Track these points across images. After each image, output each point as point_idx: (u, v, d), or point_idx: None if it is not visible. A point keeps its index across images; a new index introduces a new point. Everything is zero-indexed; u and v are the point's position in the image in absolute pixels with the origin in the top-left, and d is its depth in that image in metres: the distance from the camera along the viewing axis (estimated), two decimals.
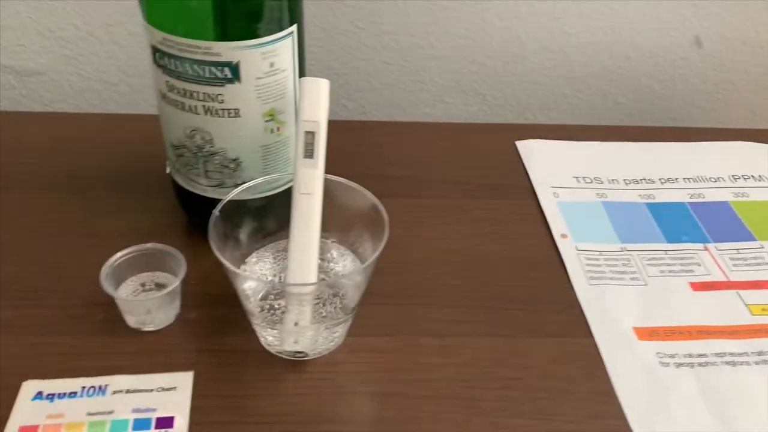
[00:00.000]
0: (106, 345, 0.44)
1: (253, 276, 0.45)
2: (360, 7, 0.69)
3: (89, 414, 0.40)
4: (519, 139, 0.65)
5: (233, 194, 0.44)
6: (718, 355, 0.45)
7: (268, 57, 0.43)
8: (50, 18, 0.68)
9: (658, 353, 0.45)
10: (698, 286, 0.50)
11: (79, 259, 0.49)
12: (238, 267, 0.44)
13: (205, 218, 0.49)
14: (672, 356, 0.45)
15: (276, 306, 0.43)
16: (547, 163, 0.62)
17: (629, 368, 0.44)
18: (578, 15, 0.71)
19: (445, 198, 0.57)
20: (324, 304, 0.44)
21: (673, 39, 0.73)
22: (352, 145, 0.60)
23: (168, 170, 0.51)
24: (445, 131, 0.67)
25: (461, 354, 0.45)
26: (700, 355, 0.45)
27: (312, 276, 0.42)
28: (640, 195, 0.59)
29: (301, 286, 0.42)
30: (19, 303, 0.46)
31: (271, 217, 0.47)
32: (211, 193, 0.48)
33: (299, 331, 0.42)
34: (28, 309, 0.46)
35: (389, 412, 0.41)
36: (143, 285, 0.46)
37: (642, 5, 0.70)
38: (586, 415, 0.41)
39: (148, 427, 0.39)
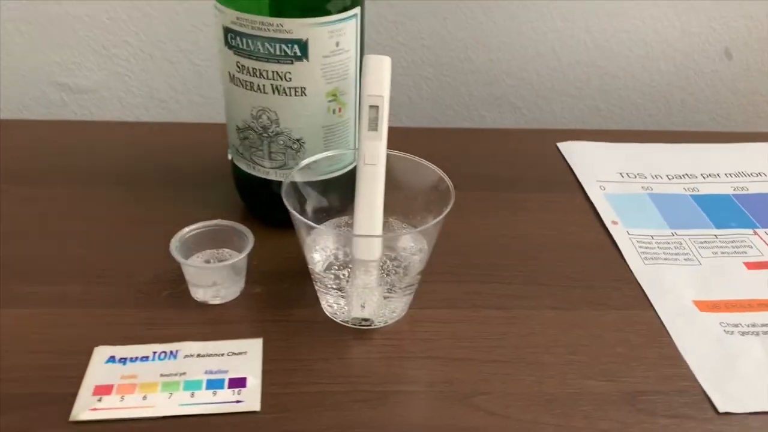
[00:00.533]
0: (174, 317, 0.44)
1: (328, 230, 0.46)
2: (401, 23, 0.72)
3: (162, 375, 0.40)
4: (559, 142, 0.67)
5: (300, 166, 0.46)
6: None
7: (335, 36, 0.45)
8: (106, 36, 0.72)
9: (721, 323, 0.45)
10: (753, 266, 0.51)
11: (143, 244, 0.50)
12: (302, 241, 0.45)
13: (263, 203, 0.51)
14: (735, 326, 0.45)
15: (341, 276, 0.44)
16: (590, 162, 0.63)
17: (694, 336, 0.44)
18: (611, 29, 0.73)
19: (495, 191, 0.58)
20: (388, 274, 0.44)
21: (704, 52, 0.75)
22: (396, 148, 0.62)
23: (230, 156, 0.52)
24: (487, 135, 0.69)
25: (526, 324, 0.45)
26: (764, 325, 0.45)
27: (376, 242, 0.43)
28: (684, 188, 0.60)
29: (367, 251, 0.42)
30: (88, 280, 0.47)
31: (332, 196, 0.48)
32: (273, 175, 0.49)
33: (366, 295, 0.42)
34: (96, 286, 0.46)
35: (459, 374, 0.41)
36: (208, 262, 0.47)
37: (672, 19, 0.73)
38: (657, 377, 0.41)
39: (222, 387, 0.39)
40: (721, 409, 0.39)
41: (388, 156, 0.44)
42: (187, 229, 0.46)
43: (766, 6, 0.73)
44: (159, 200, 0.56)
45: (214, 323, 0.44)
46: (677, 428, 0.38)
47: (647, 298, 0.47)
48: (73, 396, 0.38)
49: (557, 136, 0.68)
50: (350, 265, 0.43)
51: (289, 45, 0.44)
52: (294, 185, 0.45)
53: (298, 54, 0.45)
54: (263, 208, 0.52)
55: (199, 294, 0.45)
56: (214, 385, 0.39)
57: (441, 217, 0.41)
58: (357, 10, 0.46)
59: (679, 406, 0.40)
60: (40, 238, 0.51)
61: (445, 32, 0.73)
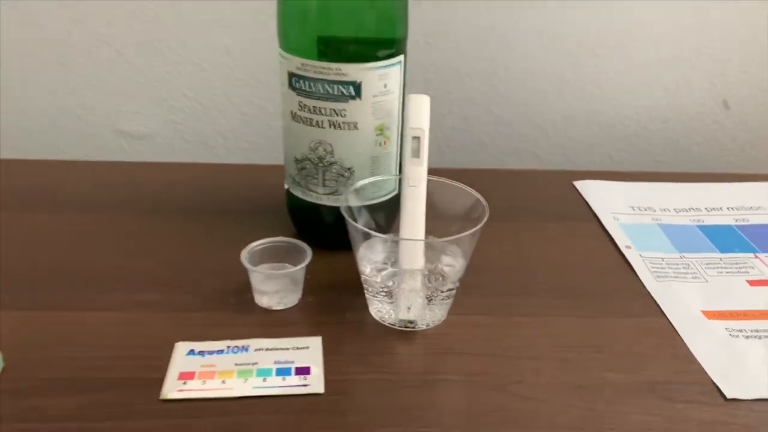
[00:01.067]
0: (241, 320, 0.50)
1: (381, 236, 0.52)
2: (429, 80, 0.80)
3: (237, 365, 0.46)
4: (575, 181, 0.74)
5: (356, 186, 0.53)
6: None
7: (383, 78, 0.53)
8: (165, 87, 0.80)
9: (727, 328, 0.51)
10: (755, 283, 0.56)
11: (207, 261, 0.57)
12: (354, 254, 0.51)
13: (315, 226, 0.58)
14: (740, 331, 0.51)
15: (389, 282, 0.50)
16: (604, 197, 0.70)
17: (704, 338, 0.50)
18: (620, 83, 0.81)
19: (519, 221, 0.65)
20: (429, 282, 0.50)
21: (705, 104, 0.83)
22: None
23: (286, 186, 0.59)
24: (508, 175, 0.76)
25: (553, 328, 0.51)
26: (766, 330, 0.51)
27: (419, 253, 0.49)
28: (690, 219, 0.66)
29: (411, 260, 0.49)
30: (160, 290, 0.53)
31: (378, 218, 0.55)
32: (325, 201, 0.56)
33: (411, 299, 0.48)
34: (169, 295, 0.53)
35: (494, 367, 0.47)
36: None
37: (676, 75, 0.81)
38: (671, 371, 0.47)
39: (289, 374, 0.45)
40: (728, 396, 0.44)
41: (429, 181, 0.51)
42: (254, 244, 0.53)
43: (760, 63, 0.81)
44: (217, 227, 0.62)
45: (277, 325, 0.50)
46: (692, 411, 0.43)
47: (660, 308, 0.53)
48: (161, 380, 0.44)
49: (573, 177, 0.75)
50: (397, 274, 0.49)
51: (346, 86, 0.52)
52: (348, 208, 0.51)
53: (353, 94, 0.52)
54: (314, 231, 0.59)
55: (263, 300, 0.51)
56: (282, 372, 0.45)
57: (477, 228, 0.48)
58: (401, 57, 0.54)
59: (693, 394, 0.45)
60: (114, 256, 0.57)
61: (470, 87, 0.81)
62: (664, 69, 0.81)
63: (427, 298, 0.49)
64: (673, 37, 0.79)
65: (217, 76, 0.80)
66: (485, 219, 0.48)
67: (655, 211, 0.68)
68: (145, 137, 0.83)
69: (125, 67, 0.79)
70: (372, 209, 0.55)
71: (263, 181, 0.66)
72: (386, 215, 0.57)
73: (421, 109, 0.52)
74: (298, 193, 0.58)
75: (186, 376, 0.44)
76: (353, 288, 0.53)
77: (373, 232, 0.49)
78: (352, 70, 0.51)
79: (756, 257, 0.60)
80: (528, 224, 0.65)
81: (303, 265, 0.51)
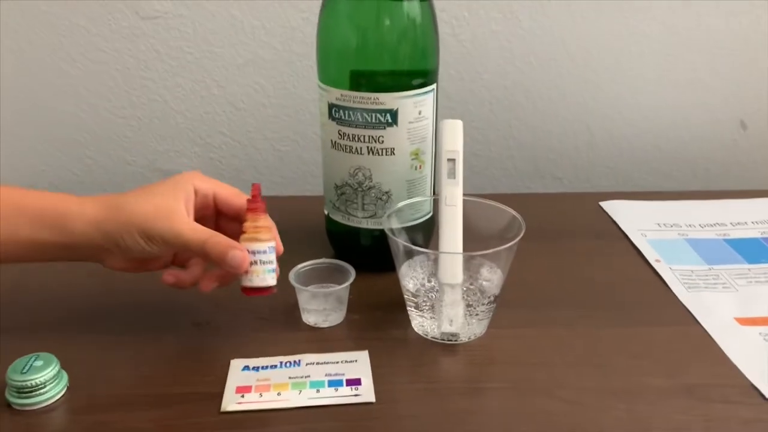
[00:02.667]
0: (291, 337, 0.53)
1: (424, 250, 0.55)
2: (451, 107, 0.84)
3: (290, 378, 0.48)
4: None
5: (399, 206, 0.56)
6: None
7: (418, 106, 0.56)
8: (202, 127, 0.84)
9: (760, 333, 0.52)
10: None
11: None
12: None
13: (355, 250, 0.60)
14: None
15: (431, 297, 0.52)
16: (630, 216, 0.72)
17: (739, 343, 0.51)
18: (637, 106, 0.84)
19: (550, 242, 0.67)
20: (470, 295, 0.52)
21: (721, 123, 0.85)
22: None
23: (326, 212, 0.62)
24: (535, 199, 0.79)
25: (591, 338, 0.52)
26: None
27: (459, 268, 0.51)
28: (716, 234, 0.68)
29: (451, 275, 0.51)
30: (213, 312, 0.56)
31: (416, 239, 0.58)
32: (365, 224, 0.59)
33: (453, 313, 0.50)
34: (221, 317, 0.55)
35: (538, 375, 0.48)
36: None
37: (691, 96, 0.84)
38: (709, 374, 0.48)
39: (341, 385, 0.47)
40: None
41: (465, 201, 0.54)
42: (301, 265, 0.55)
43: None
44: None
45: (324, 341, 0.52)
46: (731, 410, 0.45)
47: (693, 317, 0.55)
48: (219, 395, 0.46)
49: (598, 198, 0.77)
50: (437, 290, 0.52)
51: (383, 114, 0.55)
52: (390, 228, 0.54)
53: (390, 121, 0.55)
54: (354, 254, 0.61)
55: (311, 319, 0.54)
56: (334, 384, 0.47)
57: (514, 241, 0.50)
58: (434, 86, 0.57)
59: (731, 395, 0.46)
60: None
61: (492, 115, 0.84)
62: (681, 91, 0.84)
63: (468, 312, 0.51)
64: (687, 58, 0.82)
65: (251, 113, 0.83)
66: (522, 232, 0.51)
67: (681, 227, 0.70)
68: None
69: (164, 109, 0.83)
70: (409, 230, 0.58)
71: (300, 209, 0.69)
72: (424, 235, 0.60)
73: (455, 132, 0.55)
74: (338, 218, 0.61)
75: (243, 390, 0.47)
76: (395, 306, 0.55)
77: (416, 248, 0.51)
78: (388, 99, 0.55)
79: None
80: (559, 243, 0.67)
81: (347, 283, 0.54)
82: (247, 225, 0.48)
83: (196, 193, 0.49)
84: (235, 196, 0.51)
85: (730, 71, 0.83)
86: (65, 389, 0.47)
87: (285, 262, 0.55)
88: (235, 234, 0.49)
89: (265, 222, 0.49)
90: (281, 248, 0.50)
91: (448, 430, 0.43)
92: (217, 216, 0.52)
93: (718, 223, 0.70)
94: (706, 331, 0.53)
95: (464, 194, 0.54)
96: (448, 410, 0.45)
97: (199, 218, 0.50)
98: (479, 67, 0.82)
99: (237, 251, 0.46)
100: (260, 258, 0.48)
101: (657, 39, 0.81)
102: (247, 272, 0.47)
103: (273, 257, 0.48)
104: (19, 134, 0.83)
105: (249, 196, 0.49)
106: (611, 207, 0.74)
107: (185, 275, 0.51)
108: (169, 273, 0.51)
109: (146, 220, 0.46)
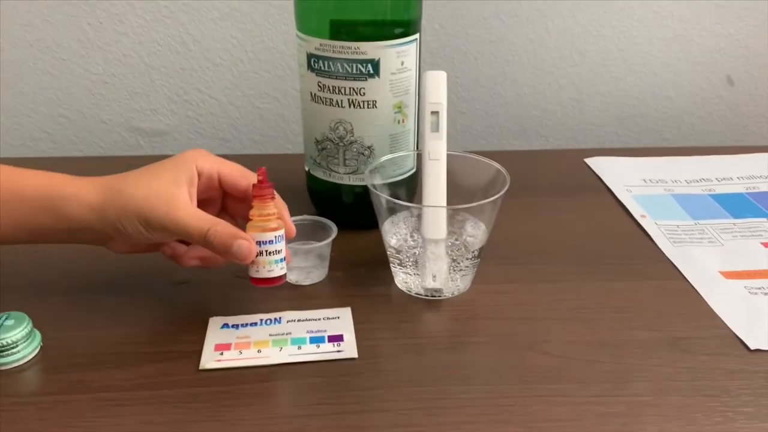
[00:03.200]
0: (272, 295, 0.51)
1: (407, 204, 0.53)
2: (436, 64, 0.82)
3: (271, 335, 0.47)
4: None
5: (382, 160, 0.55)
6: None
7: (401, 56, 0.54)
8: (179, 84, 0.82)
9: (745, 287, 0.52)
10: None
11: None
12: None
13: (336, 207, 0.59)
14: (759, 288, 0.52)
15: (415, 253, 0.51)
16: (616, 172, 0.71)
17: (724, 296, 0.51)
18: (623, 61, 0.83)
19: (535, 197, 0.66)
20: (453, 250, 0.51)
21: (708, 79, 0.84)
22: None
23: (307, 168, 0.61)
24: (519, 156, 0.78)
25: (576, 293, 0.52)
26: None
27: (442, 223, 0.50)
28: (702, 189, 0.68)
29: (435, 230, 0.50)
30: (191, 270, 0.54)
31: (399, 195, 0.56)
32: (347, 180, 0.58)
33: (436, 268, 0.50)
34: (199, 274, 0.54)
35: (522, 329, 0.48)
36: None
37: (678, 51, 0.82)
38: (694, 327, 0.48)
39: (323, 341, 0.46)
40: (752, 347, 0.46)
41: (449, 155, 0.53)
42: None
43: (761, 37, 0.82)
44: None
45: (306, 299, 0.51)
46: (716, 362, 0.45)
47: (679, 270, 0.54)
48: (198, 353, 0.45)
49: (583, 155, 0.76)
50: (421, 246, 0.51)
51: (364, 64, 0.53)
52: (373, 185, 0.52)
53: (371, 72, 0.54)
54: (335, 211, 0.60)
55: (292, 276, 0.53)
56: (316, 340, 0.46)
57: (498, 195, 0.49)
58: (417, 36, 0.55)
59: (716, 347, 0.46)
60: None
61: (477, 70, 0.83)
62: (667, 46, 0.82)
63: (451, 267, 0.50)
64: (675, 13, 0.81)
65: (229, 68, 0.81)
66: (507, 186, 0.50)
67: (666, 182, 0.69)
68: (162, 134, 0.84)
69: (138, 65, 0.80)
70: (392, 186, 0.57)
71: (280, 168, 0.67)
72: (407, 192, 0.58)
73: (438, 84, 0.54)
74: (319, 174, 0.59)
75: (222, 347, 0.46)
76: (378, 263, 0.54)
77: (399, 202, 0.50)
78: (370, 48, 0.53)
79: None
80: (543, 199, 0.66)
81: (329, 240, 0.52)
82: (254, 213, 0.46)
83: (199, 174, 0.47)
84: (241, 177, 0.48)
85: (717, 27, 0.82)
86: (38, 349, 0.45)
87: None
88: (245, 216, 0.46)
89: (273, 209, 0.46)
90: (293, 231, 0.48)
91: (432, 385, 0.43)
92: (224, 196, 0.50)
93: (703, 179, 0.70)
94: (691, 285, 0.53)
95: (448, 150, 0.53)
96: (431, 365, 0.44)
97: (205, 200, 0.48)
98: (463, 21, 0.80)
99: (243, 242, 0.44)
100: (267, 248, 0.45)
101: None
102: (253, 263, 0.45)
103: (281, 246, 0.46)
104: None
105: (255, 181, 0.46)
106: (596, 163, 0.73)
107: (183, 249, 0.48)
108: (168, 245, 0.48)
109: (145, 207, 0.44)
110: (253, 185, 0.46)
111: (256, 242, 0.45)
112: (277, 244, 0.46)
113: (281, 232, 0.46)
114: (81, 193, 0.45)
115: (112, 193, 0.45)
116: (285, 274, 0.46)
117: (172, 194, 0.44)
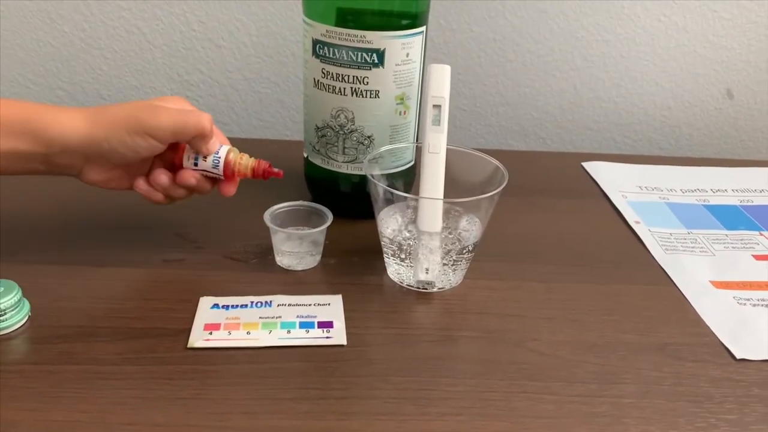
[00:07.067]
0: (263, 279, 0.51)
1: (403, 194, 0.53)
2: (439, 60, 0.82)
3: (261, 318, 0.47)
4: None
5: (380, 151, 0.55)
6: None
7: (406, 48, 0.54)
8: (180, 64, 0.81)
9: (734, 297, 0.53)
10: (761, 257, 0.58)
11: (229, 226, 0.58)
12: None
13: (333, 195, 0.59)
14: (747, 299, 0.52)
15: (409, 244, 0.51)
16: (612, 177, 0.71)
17: (712, 305, 0.51)
18: (625, 67, 0.83)
19: (530, 198, 0.66)
20: (447, 243, 0.52)
21: (708, 91, 0.85)
22: None
23: (305, 155, 0.61)
24: (517, 156, 0.78)
25: (566, 293, 0.52)
26: None
27: (438, 216, 0.50)
28: (696, 199, 0.68)
29: (430, 223, 0.50)
30: (185, 250, 0.54)
31: (397, 186, 0.56)
32: (345, 169, 0.58)
33: (429, 261, 0.50)
34: (193, 255, 0.54)
35: (512, 326, 0.48)
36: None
37: (680, 61, 0.83)
38: (681, 333, 0.48)
39: (313, 327, 0.46)
40: (738, 356, 0.46)
41: (449, 150, 0.53)
42: (277, 206, 0.54)
43: (763, 52, 0.83)
44: (238, 195, 0.63)
45: (298, 284, 0.51)
46: (701, 369, 0.45)
47: (669, 277, 0.55)
48: (187, 331, 0.45)
49: (581, 158, 0.76)
50: (416, 236, 0.51)
51: (369, 53, 0.53)
52: (371, 175, 0.52)
53: (376, 61, 0.53)
54: (332, 199, 0.60)
55: (285, 261, 0.53)
56: (306, 326, 0.46)
57: (496, 191, 0.49)
58: (423, 28, 0.55)
59: (702, 354, 0.46)
60: (142, 218, 0.58)
61: (479, 69, 0.83)
62: (669, 55, 0.83)
63: (445, 261, 0.51)
64: (679, 24, 0.81)
65: (231, 52, 0.81)
66: (505, 183, 0.50)
67: (662, 190, 0.69)
68: None
69: (141, 42, 0.80)
70: (390, 178, 0.57)
71: (278, 154, 0.66)
72: (404, 184, 0.58)
73: (442, 78, 0.54)
74: (317, 161, 0.59)
75: (212, 327, 0.46)
76: (372, 253, 0.54)
77: (396, 192, 0.50)
78: (375, 38, 0.53)
79: (761, 235, 0.62)
80: (539, 201, 0.66)
81: (324, 226, 0.52)
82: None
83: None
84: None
85: (720, 39, 0.82)
86: (27, 318, 0.45)
87: (261, 206, 0.54)
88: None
89: None
90: (209, 118, 0.50)
91: (419, 375, 0.43)
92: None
93: (698, 189, 0.70)
94: (681, 292, 0.53)
95: (447, 145, 0.53)
96: (420, 356, 0.44)
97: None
98: (468, 18, 0.80)
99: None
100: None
101: (650, 3, 0.80)
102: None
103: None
104: None
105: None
106: (593, 168, 0.74)
107: (165, 179, 0.51)
108: (141, 180, 0.51)
109: (131, 115, 0.47)
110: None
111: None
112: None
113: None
114: (63, 117, 0.47)
115: (98, 114, 0.48)
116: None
117: (152, 104, 0.49)
